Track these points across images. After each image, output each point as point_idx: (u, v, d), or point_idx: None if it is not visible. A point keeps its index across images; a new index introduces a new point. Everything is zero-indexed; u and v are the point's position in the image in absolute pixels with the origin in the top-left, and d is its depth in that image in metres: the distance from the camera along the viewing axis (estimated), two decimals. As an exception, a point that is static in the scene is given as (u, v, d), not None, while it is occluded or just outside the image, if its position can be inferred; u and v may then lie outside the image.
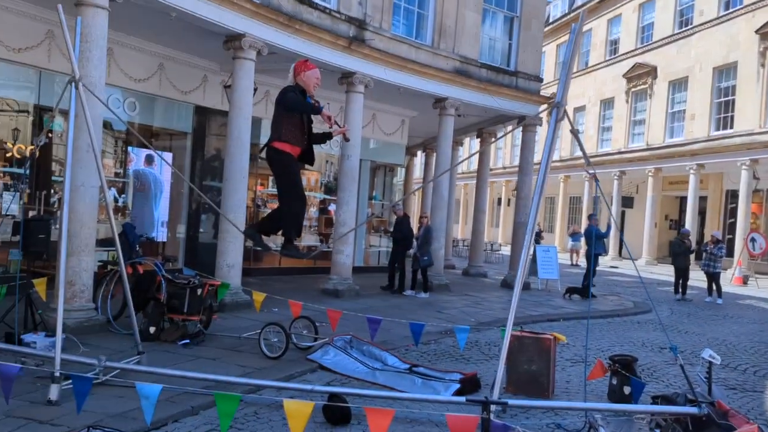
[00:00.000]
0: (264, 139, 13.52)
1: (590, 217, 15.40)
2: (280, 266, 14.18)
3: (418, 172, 34.62)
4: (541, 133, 18.06)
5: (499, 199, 38.81)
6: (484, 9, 14.83)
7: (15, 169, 9.80)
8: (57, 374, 4.99)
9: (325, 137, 5.57)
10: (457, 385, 6.16)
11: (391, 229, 12.99)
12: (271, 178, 15.50)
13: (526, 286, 15.00)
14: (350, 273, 12.12)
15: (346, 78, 11.89)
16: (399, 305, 11.38)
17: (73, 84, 5.77)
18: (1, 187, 9.82)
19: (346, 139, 5.58)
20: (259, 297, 7.62)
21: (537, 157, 19.83)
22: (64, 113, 6.75)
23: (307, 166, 5.37)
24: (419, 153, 26.20)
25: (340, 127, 5.27)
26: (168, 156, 11.98)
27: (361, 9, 12.02)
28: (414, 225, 14.19)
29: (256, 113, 11.49)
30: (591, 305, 12.83)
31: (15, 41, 9.04)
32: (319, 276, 13.19)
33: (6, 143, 9.89)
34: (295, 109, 5.16)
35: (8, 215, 8.84)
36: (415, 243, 13.00)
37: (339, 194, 11.97)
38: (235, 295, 9.49)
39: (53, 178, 10.58)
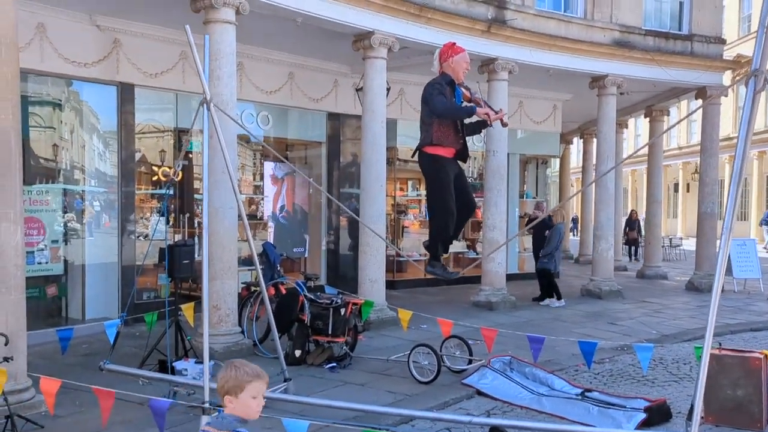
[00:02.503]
0: (401, 141, 13.87)
1: None
2: (426, 277, 14.22)
3: (575, 160, 33.33)
4: (727, 104, 16.59)
5: (676, 185, 36.32)
6: (646, -35, 13.93)
7: (159, 191, 10.76)
8: (207, 405, 5.34)
9: (481, 126, 5.48)
10: (643, 415, 5.75)
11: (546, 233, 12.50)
12: (410, 181, 15.69)
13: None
14: (504, 282, 11.87)
15: (486, 65, 11.71)
16: (561, 317, 10.96)
17: (205, 105, 6.17)
18: (150, 211, 10.82)
19: (504, 124, 5.49)
20: (405, 315, 7.67)
21: (722, 131, 18.23)
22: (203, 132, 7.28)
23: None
24: (575, 140, 25.22)
25: (495, 112, 5.17)
26: (303, 171, 12.48)
27: (500, -14, 11.77)
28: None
29: (391, 114, 11.67)
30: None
31: (151, 66, 9.90)
32: (469, 286, 13.06)
33: (152, 166, 10.86)
34: (446, 117, 5.09)
35: (155, 239, 9.69)
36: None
37: (486, 194, 11.79)
38: (380, 311, 9.66)
39: (196, 196, 11.47)
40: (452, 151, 5.20)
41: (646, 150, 32.25)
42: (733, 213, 4.48)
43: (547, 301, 12.21)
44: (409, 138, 14.25)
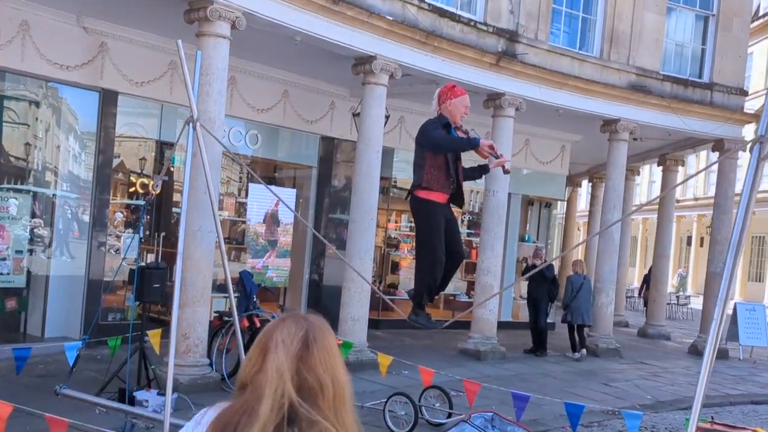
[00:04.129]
0: (398, 170, 14.12)
1: None
2: (410, 314, 14.38)
3: (583, 203, 33.67)
4: (746, 158, 16.95)
5: (689, 238, 36.59)
6: (668, 8, 14.31)
7: (136, 201, 10.95)
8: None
9: (481, 171, 5.62)
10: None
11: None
12: (404, 215, 15.90)
13: (723, 354, 13.97)
14: (494, 330, 12.03)
15: (492, 100, 11.99)
16: (553, 373, 11.10)
17: (191, 124, 6.38)
18: (123, 224, 10.97)
19: (506, 171, 5.57)
20: (385, 360, 7.81)
21: (740, 185, 18.54)
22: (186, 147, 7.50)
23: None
24: (584, 183, 25.57)
25: (497, 157, 5.30)
26: (292, 193, 12.69)
27: (513, 18, 12.11)
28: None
29: (388, 143, 11.91)
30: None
31: (137, 74, 10.14)
32: (457, 332, 13.19)
33: (131, 176, 11.04)
34: (445, 149, 5.21)
35: (126, 257, 9.84)
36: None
37: (482, 236, 12.00)
38: (359, 353, 9.79)
39: (174, 210, 11.65)
40: (445, 197, 5.31)
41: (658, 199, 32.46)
42: (730, 280, 4.60)
43: (570, 354, 12.72)
44: (406, 168, 14.51)
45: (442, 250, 5.31)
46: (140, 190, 11.08)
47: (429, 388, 7.64)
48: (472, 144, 5.17)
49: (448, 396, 7.54)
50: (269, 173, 13.51)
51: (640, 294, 21.03)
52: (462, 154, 5.66)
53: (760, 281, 30.68)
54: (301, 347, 1.51)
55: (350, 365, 9.15)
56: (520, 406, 7.00)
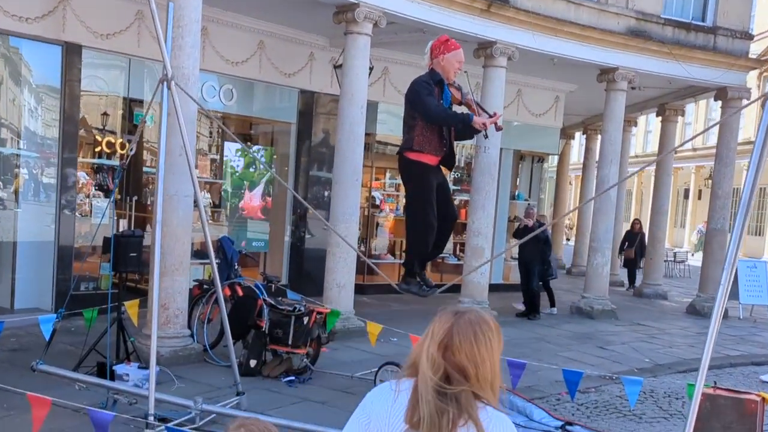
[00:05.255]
0: (382, 126, 14.15)
1: None
2: (398, 281, 14.59)
3: (575, 155, 33.92)
4: (751, 106, 17.15)
5: (686, 191, 37.01)
6: (670, -54, 14.32)
7: (104, 160, 10.94)
8: (151, 418, 5.61)
9: (473, 131, 5.69)
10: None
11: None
12: (388, 171, 16.00)
13: (722, 314, 14.36)
14: (486, 294, 12.25)
15: (483, 49, 12.00)
16: (547, 337, 11.39)
17: (165, 83, 6.39)
18: (91, 186, 10.97)
19: (499, 128, 5.61)
20: (374, 329, 7.98)
21: (744, 134, 18.73)
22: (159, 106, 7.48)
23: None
24: (578, 135, 25.74)
25: (490, 116, 5.35)
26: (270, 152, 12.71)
27: (505, -41, 12.07)
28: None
29: (372, 96, 11.93)
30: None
31: (102, 26, 10.01)
32: (447, 295, 13.39)
33: (96, 135, 10.99)
34: (436, 122, 5.27)
35: (96, 222, 9.87)
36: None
37: (473, 196, 12.13)
38: (346, 320, 9.97)
39: (145, 169, 11.67)
40: (436, 159, 5.39)
41: (654, 149, 32.72)
42: (738, 243, 4.70)
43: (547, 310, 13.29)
44: (390, 124, 14.54)
45: (434, 214, 5.42)
46: (106, 150, 11.05)
47: (421, 357, 7.83)
48: (464, 121, 5.25)
49: (441, 364, 7.73)
50: (245, 130, 13.50)
51: (620, 252, 19.79)
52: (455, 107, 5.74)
53: (759, 235, 31.21)
54: (445, 337, 2.05)
55: (336, 333, 9.39)
56: (516, 374, 7.22)
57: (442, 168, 5.84)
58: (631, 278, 19.16)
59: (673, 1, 14.64)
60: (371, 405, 2.15)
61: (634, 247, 19.21)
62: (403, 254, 15.43)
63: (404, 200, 5.77)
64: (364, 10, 10.10)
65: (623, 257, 20.02)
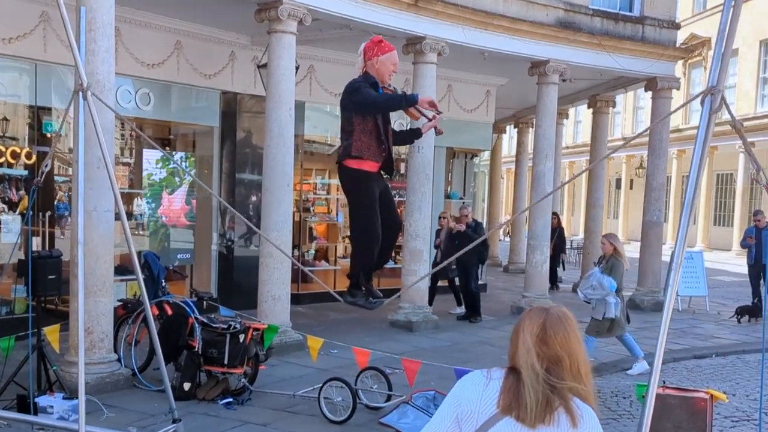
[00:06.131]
0: (309, 128, 14.14)
1: (756, 213, 15.09)
2: (336, 289, 14.60)
3: (506, 148, 34.55)
4: (677, 95, 17.78)
5: (618, 181, 38.11)
6: (596, -66, 14.74)
7: (11, 171, 10.57)
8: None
9: (413, 135, 5.71)
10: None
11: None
12: (318, 173, 16.01)
13: (660, 307, 14.83)
14: (426, 298, 12.42)
15: (412, 45, 12.13)
16: (490, 340, 11.59)
17: (81, 93, 6.23)
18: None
19: (439, 132, 5.60)
20: (315, 344, 8.00)
21: (671, 123, 19.40)
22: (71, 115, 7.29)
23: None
24: (509, 128, 26.25)
25: (429, 119, 5.37)
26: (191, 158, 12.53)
27: (431, -48, 12.21)
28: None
29: (298, 96, 11.81)
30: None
31: (5, 29, 9.69)
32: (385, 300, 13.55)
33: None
34: (379, 109, 5.24)
35: (6, 242, 9.55)
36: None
37: (408, 197, 12.26)
38: (283, 334, 9.91)
39: (57, 179, 11.32)
40: (376, 165, 5.41)
41: (585, 140, 33.54)
42: (685, 238, 4.81)
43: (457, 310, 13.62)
44: (317, 123, 14.57)
45: (378, 224, 5.44)
46: (11, 160, 10.69)
47: (365, 370, 7.89)
48: (410, 101, 5.22)
49: (386, 377, 7.81)
50: (164, 135, 13.28)
51: None
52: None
53: (727, 225, 31.55)
54: (540, 331, 2.39)
55: (273, 348, 9.34)
56: (465, 383, 7.32)
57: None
58: (553, 278, 17.98)
59: (600, -10, 15.08)
60: (462, 390, 2.44)
61: (553, 243, 17.23)
62: (338, 260, 15.73)
63: (342, 206, 5.74)
64: (288, 7, 10.06)
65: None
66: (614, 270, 9.45)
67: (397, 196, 14.75)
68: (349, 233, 5.66)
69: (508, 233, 29.78)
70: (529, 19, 13.49)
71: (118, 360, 8.28)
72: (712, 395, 6.53)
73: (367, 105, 5.19)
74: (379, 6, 11.33)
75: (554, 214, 19.49)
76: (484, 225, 23.19)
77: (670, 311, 4.29)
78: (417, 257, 11.97)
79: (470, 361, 9.87)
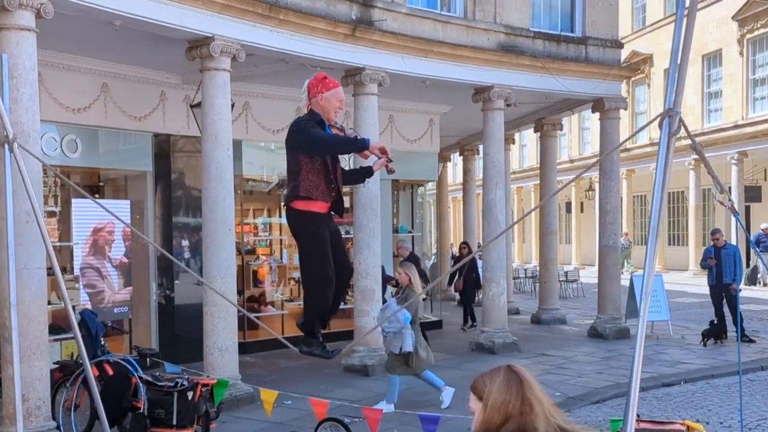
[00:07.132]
0: (246, 166, 14.16)
1: (714, 232, 15.55)
2: (284, 334, 14.52)
3: (452, 176, 34.96)
4: (624, 116, 18.32)
5: (568, 204, 38.62)
6: (532, -43, 15.20)
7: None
8: None
9: (364, 175, 5.79)
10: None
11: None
12: (257, 213, 15.99)
13: (623, 334, 15.23)
14: (381, 341, 12.41)
15: (351, 76, 12.29)
16: (450, 381, 11.60)
17: (7, 146, 6.19)
18: None
19: (390, 171, 5.68)
20: (269, 397, 7.95)
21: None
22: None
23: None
24: (453, 156, 26.61)
25: (379, 157, 5.45)
26: (125, 204, 12.39)
27: (366, -20, 12.45)
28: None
29: (235, 134, 11.87)
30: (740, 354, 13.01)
31: None
32: (338, 344, 13.54)
33: None
34: (328, 151, 5.29)
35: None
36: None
37: (356, 235, 12.33)
38: (233, 387, 9.83)
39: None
40: (326, 206, 5.45)
41: (531, 164, 34.07)
42: (654, 254, 4.84)
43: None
44: (254, 161, 14.60)
45: (331, 268, 5.46)
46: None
47: (324, 421, 7.88)
48: (360, 146, 5.31)
49: (346, 427, 7.82)
50: (94, 182, 13.16)
51: (449, 283, 18.36)
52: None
53: (682, 245, 32.22)
54: (522, 385, 2.73)
55: (223, 404, 9.27)
56: (430, 429, 7.40)
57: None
58: (466, 315, 17.50)
59: (540, 13, 15.52)
60: None
61: (464, 276, 17.35)
62: (284, 303, 15.66)
63: (298, 257, 5.75)
64: (220, 44, 10.13)
65: (455, 289, 18.39)
66: (408, 301, 9.61)
67: (343, 233, 14.85)
68: (298, 275, 5.66)
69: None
70: (470, 45, 13.80)
71: (57, 428, 8.12)
72: (688, 426, 6.64)
73: (315, 146, 5.23)
74: (315, 38, 11.48)
75: (464, 243, 19.65)
76: (434, 258, 23.50)
77: (642, 342, 4.40)
78: (368, 297, 12.03)
79: (431, 403, 9.95)
